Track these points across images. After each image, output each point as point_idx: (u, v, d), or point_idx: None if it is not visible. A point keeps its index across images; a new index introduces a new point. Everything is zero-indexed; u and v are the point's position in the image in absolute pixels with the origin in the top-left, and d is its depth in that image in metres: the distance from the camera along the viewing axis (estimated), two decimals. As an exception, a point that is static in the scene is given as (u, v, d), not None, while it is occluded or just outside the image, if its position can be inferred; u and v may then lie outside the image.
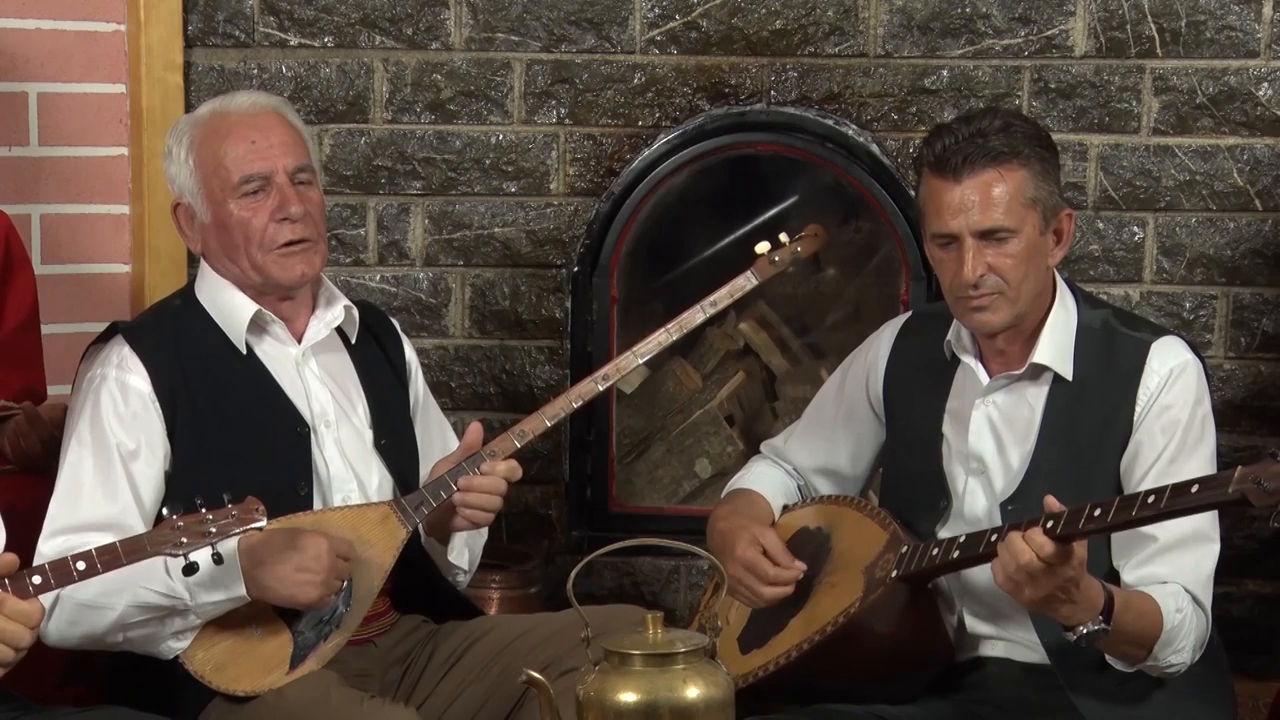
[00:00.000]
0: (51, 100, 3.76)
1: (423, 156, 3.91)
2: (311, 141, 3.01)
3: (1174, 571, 2.73)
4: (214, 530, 2.54)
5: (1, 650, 2.42)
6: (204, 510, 2.55)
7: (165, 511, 2.56)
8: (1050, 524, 2.53)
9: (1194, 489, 2.46)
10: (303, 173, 2.93)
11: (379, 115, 3.90)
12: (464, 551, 3.06)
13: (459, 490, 2.92)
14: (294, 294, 2.96)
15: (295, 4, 3.86)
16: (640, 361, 3.11)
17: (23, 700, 2.68)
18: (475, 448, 2.95)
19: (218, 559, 2.56)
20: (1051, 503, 2.55)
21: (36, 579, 2.45)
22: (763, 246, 3.19)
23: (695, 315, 3.12)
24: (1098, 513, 2.51)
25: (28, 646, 2.44)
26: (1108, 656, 2.71)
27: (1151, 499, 2.49)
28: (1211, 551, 2.78)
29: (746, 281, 3.16)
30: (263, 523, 2.58)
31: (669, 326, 3.11)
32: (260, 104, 2.98)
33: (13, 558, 2.48)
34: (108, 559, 2.50)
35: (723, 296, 3.15)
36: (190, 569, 2.55)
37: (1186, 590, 2.72)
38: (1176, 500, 2.47)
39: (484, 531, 3.11)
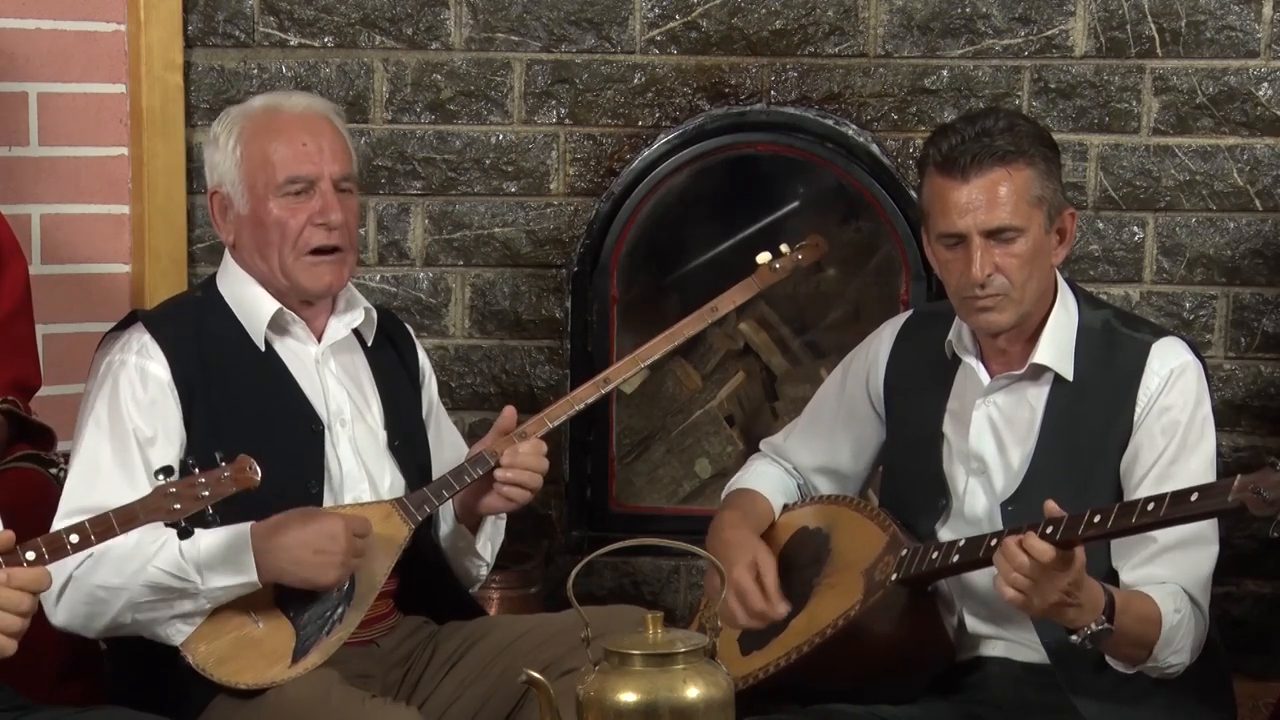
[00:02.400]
0: (51, 100, 3.76)
1: (423, 156, 3.92)
2: (355, 152, 3.02)
3: (1173, 572, 2.73)
4: (207, 493, 2.51)
5: (6, 620, 2.39)
6: (196, 472, 2.53)
7: (160, 478, 2.53)
8: (1050, 529, 2.53)
9: (1194, 497, 2.46)
10: (346, 182, 2.95)
11: (379, 115, 3.90)
12: (488, 543, 3.09)
13: (501, 469, 2.95)
14: (316, 300, 2.96)
15: (295, 4, 3.86)
16: (643, 366, 3.14)
17: (22, 700, 2.67)
18: (510, 428, 2.99)
19: (213, 520, 2.54)
20: (1051, 508, 2.55)
21: (30, 554, 2.42)
22: (764, 257, 3.23)
23: (696, 322, 3.15)
24: (1097, 519, 2.51)
25: (31, 612, 2.42)
26: (1108, 658, 2.71)
27: (1151, 506, 2.50)
28: (1210, 553, 2.78)
29: (748, 288, 3.19)
30: (258, 477, 2.56)
31: (669, 333, 3.13)
32: (315, 107, 2.99)
33: (9, 534, 2.45)
34: (101, 529, 2.46)
35: (724, 303, 3.18)
36: (185, 533, 2.54)
37: (1185, 591, 2.72)
38: (1176, 508, 2.47)
39: (502, 527, 3.13)
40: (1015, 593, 2.55)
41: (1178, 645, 2.69)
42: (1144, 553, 2.74)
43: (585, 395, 3.10)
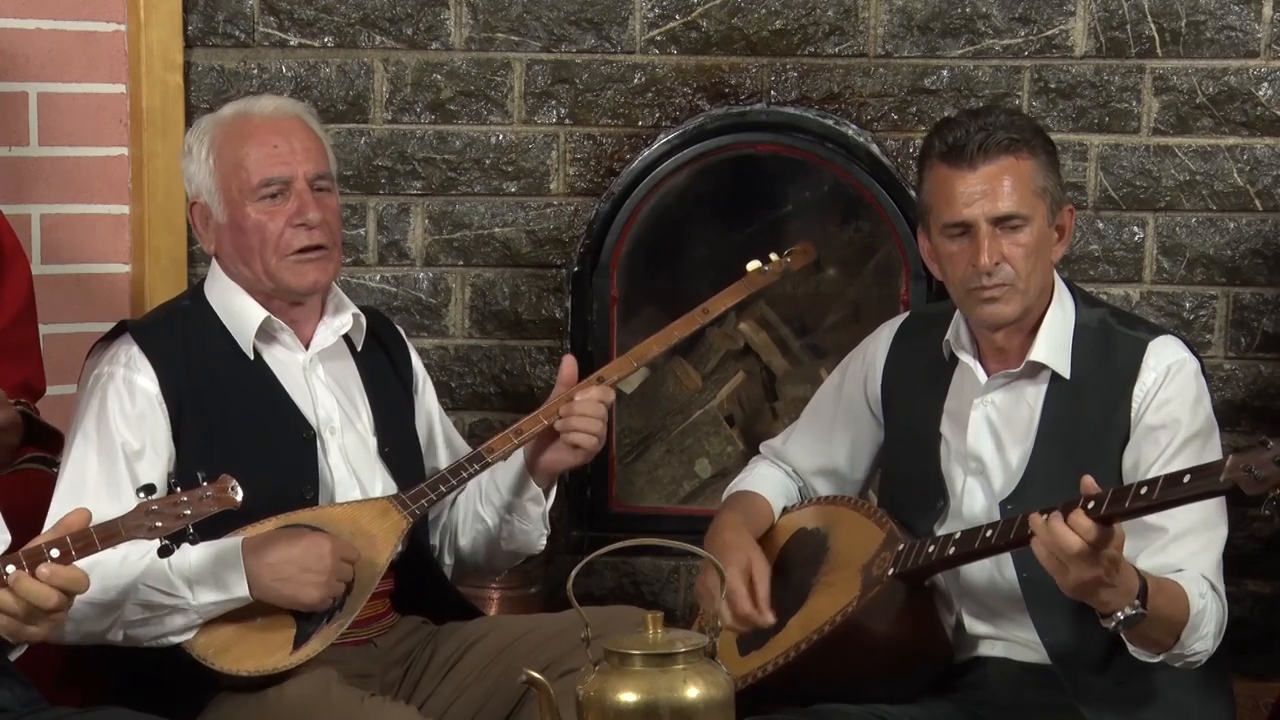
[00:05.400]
0: (51, 100, 3.76)
1: (423, 156, 3.91)
2: (331, 149, 3.01)
3: (1188, 558, 2.72)
4: (189, 512, 2.51)
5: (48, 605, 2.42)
6: (178, 491, 2.53)
7: (142, 495, 2.53)
8: (1091, 505, 2.51)
9: (1186, 479, 2.45)
10: (322, 180, 2.94)
11: (379, 115, 3.90)
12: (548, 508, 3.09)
13: (561, 419, 2.96)
14: (304, 301, 2.96)
15: (295, 4, 3.86)
16: (637, 366, 3.14)
17: (38, 696, 2.67)
18: (572, 381, 3.01)
19: (193, 540, 2.54)
20: (1089, 484, 2.53)
21: (10, 568, 2.42)
22: (754, 265, 3.24)
23: (689, 323, 3.16)
24: (1144, 490, 2.49)
25: (66, 608, 2.45)
26: (1131, 648, 2.68)
27: (1144, 490, 2.48)
28: (1221, 535, 2.77)
29: (739, 291, 3.21)
30: (239, 497, 2.56)
31: (662, 334, 3.14)
32: (285, 109, 2.98)
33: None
34: (82, 545, 2.46)
35: (716, 304, 3.19)
36: (165, 551, 2.54)
37: (1204, 577, 2.72)
38: (1169, 491, 2.46)
39: None
40: (1052, 560, 2.52)
41: (1203, 631, 2.68)
42: (1156, 543, 2.72)
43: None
